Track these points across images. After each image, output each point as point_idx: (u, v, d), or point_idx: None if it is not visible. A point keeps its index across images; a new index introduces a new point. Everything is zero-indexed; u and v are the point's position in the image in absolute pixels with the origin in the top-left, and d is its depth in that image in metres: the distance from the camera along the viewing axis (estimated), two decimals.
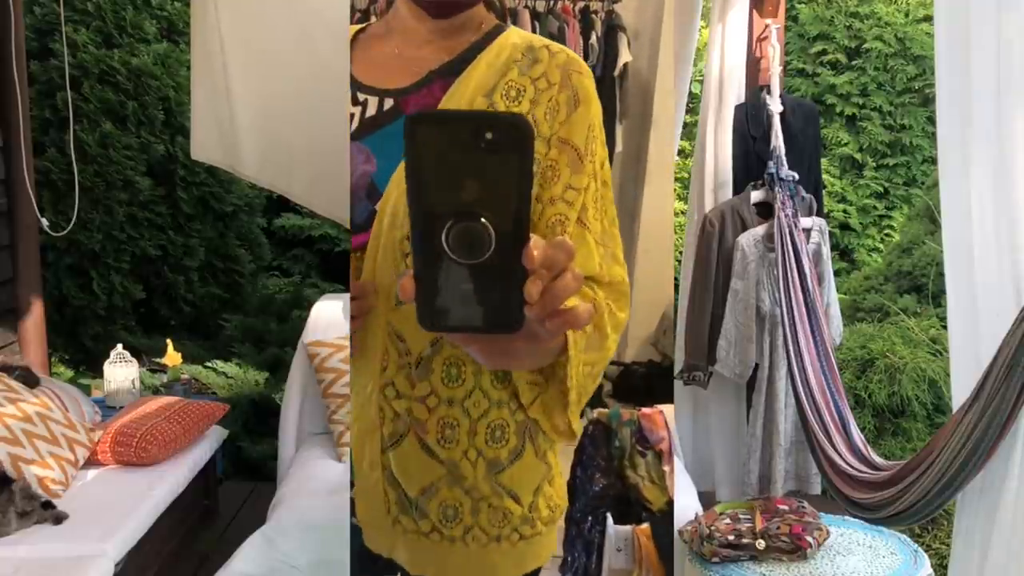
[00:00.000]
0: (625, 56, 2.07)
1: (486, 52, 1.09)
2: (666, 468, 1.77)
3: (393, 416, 1.12)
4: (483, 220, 0.68)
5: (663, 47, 1.83)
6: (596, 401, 1.79)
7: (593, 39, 2.10)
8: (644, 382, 1.91)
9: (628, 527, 1.69)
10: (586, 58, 1.97)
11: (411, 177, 0.70)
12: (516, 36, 1.12)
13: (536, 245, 0.67)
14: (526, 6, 2.19)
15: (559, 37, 2.13)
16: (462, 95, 1.08)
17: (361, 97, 1.12)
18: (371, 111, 1.11)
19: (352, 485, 1.22)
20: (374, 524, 1.19)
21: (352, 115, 1.12)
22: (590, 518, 1.78)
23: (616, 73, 2.10)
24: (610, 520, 1.73)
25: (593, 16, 2.09)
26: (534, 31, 2.02)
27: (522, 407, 1.11)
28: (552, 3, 2.18)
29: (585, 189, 1.07)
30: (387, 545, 1.20)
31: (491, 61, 1.09)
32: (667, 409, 1.82)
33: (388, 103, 1.11)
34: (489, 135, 0.68)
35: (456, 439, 1.12)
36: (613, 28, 2.08)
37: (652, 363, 2.04)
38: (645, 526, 1.72)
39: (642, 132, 2.20)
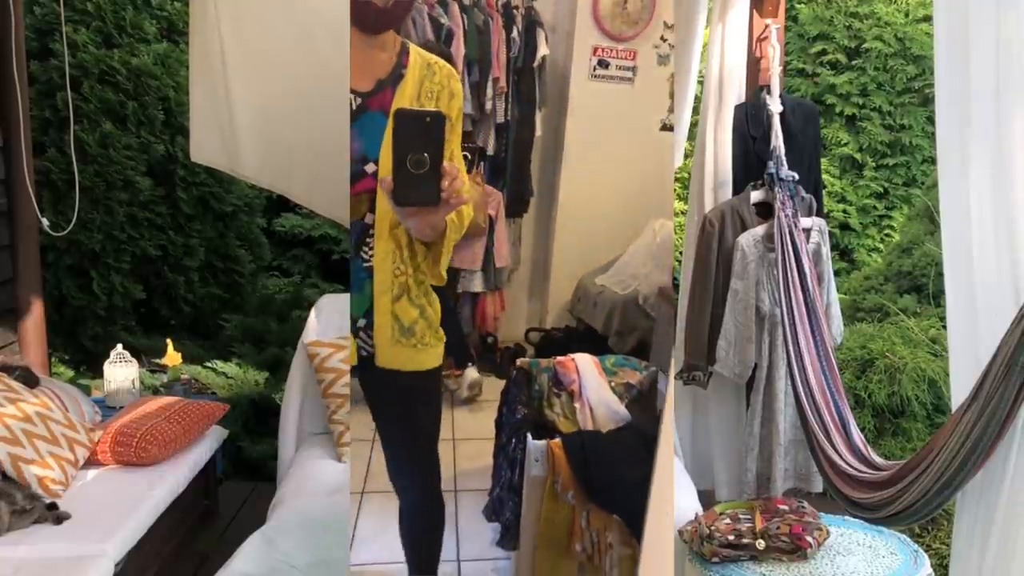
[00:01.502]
0: (543, 49, 2.37)
1: (408, 70, 1.79)
2: (577, 405, 2.19)
3: (401, 284, 1.86)
4: (425, 155, 1.56)
5: (576, 42, 2.19)
6: (523, 355, 2.40)
7: (515, 33, 2.35)
8: (562, 343, 2.30)
9: (543, 442, 2.10)
10: (509, 50, 2.35)
11: (395, 138, 1.57)
12: (417, 55, 1.81)
13: (447, 165, 1.58)
14: None
15: (484, 29, 2.42)
16: (405, 98, 1.79)
17: (356, 95, 1.77)
18: (353, 106, 1.78)
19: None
20: (385, 346, 1.89)
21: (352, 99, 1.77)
22: (513, 440, 2.20)
23: (535, 64, 2.39)
24: (529, 437, 2.12)
25: (514, 11, 2.35)
26: (463, 23, 2.37)
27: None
28: None
29: (454, 140, 1.80)
30: (388, 359, 1.90)
31: (413, 77, 1.79)
32: (579, 357, 2.24)
33: (357, 101, 1.77)
34: (428, 119, 1.58)
35: (422, 293, 1.90)
36: (532, 23, 2.37)
37: (569, 328, 2.55)
38: (557, 440, 2.12)
39: (560, 118, 2.51)
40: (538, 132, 2.42)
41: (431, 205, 1.59)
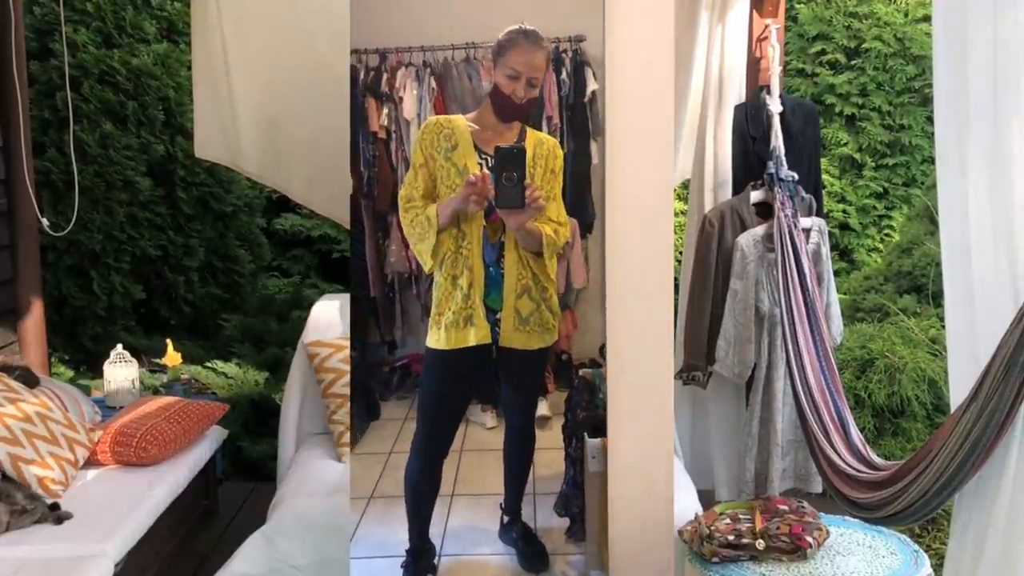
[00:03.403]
0: (592, 85, 2.58)
1: (525, 143, 2.37)
2: None
3: (523, 285, 2.39)
4: (514, 173, 2.22)
5: (608, 70, 2.28)
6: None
7: (564, 74, 2.59)
8: None
9: (598, 440, 2.35)
10: (560, 89, 2.60)
11: (495, 164, 2.27)
12: (531, 133, 2.42)
13: (528, 182, 2.25)
14: None
15: None
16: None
17: (484, 155, 2.36)
18: (490, 163, 2.35)
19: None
20: (508, 331, 2.39)
21: (482, 164, 2.35)
22: (574, 440, 2.46)
23: (586, 99, 2.59)
24: (586, 436, 2.38)
25: (563, 55, 2.57)
26: None
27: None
28: None
29: (556, 187, 2.42)
30: (508, 340, 2.40)
31: (529, 147, 2.36)
32: None
33: (491, 160, 2.35)
34: (515, 151, 2.26)
35: (540, 291, 2.42)
36: (581, 64, 2.59)
37: None
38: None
39: None
40: (594, 160, 2.64)
41: (519, 208, 2.23)
